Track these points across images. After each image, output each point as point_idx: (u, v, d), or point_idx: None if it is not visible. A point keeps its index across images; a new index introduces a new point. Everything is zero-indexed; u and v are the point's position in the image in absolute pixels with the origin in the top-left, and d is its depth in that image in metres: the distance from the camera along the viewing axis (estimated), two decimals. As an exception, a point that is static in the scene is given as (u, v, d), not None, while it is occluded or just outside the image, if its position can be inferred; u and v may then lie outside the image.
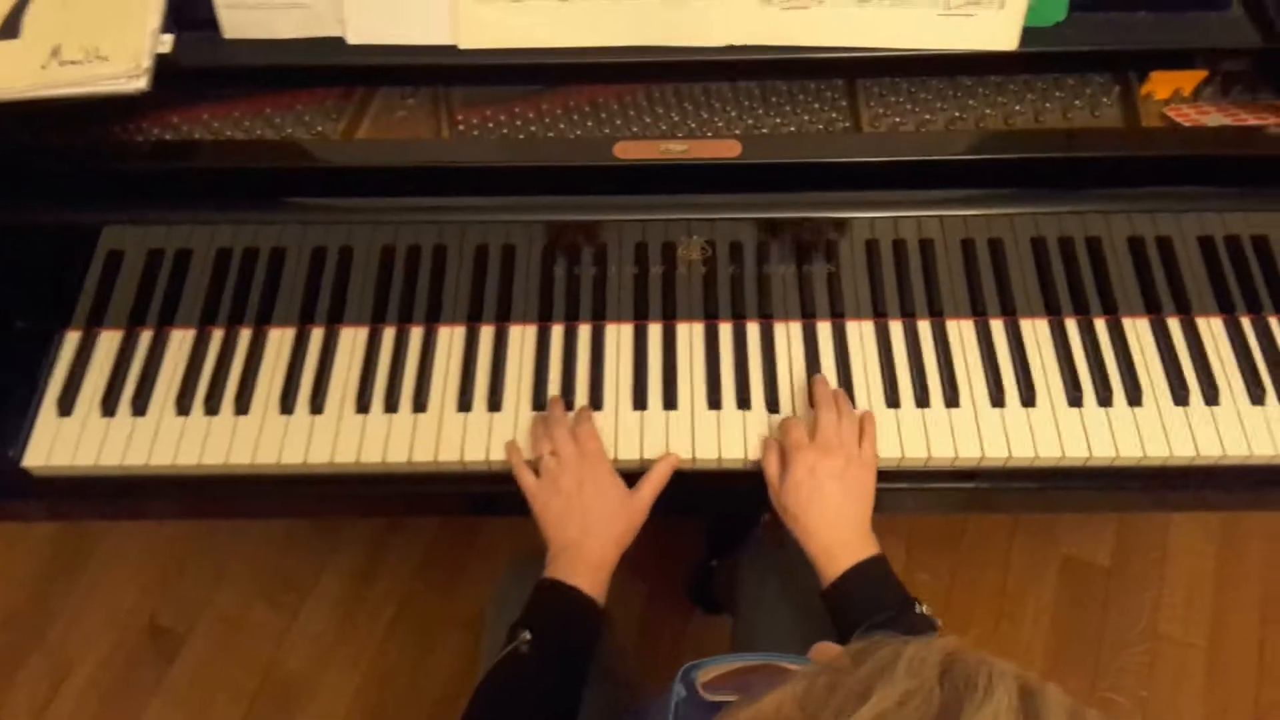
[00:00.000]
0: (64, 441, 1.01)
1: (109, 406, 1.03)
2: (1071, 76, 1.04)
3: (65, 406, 1.03)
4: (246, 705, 1.66)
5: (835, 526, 0.91)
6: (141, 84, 0.90)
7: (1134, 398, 1.02)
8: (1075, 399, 1.02)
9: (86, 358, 1.06)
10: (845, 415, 0.97)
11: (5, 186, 0.95)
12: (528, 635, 0.86)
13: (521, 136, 1.00)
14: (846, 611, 0.89)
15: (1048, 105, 1.02)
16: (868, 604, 0.88)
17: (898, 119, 1.01)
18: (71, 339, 1.07)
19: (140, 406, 1.03)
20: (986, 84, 1.03)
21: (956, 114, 1.01)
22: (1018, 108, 1.02)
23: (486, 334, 1.07)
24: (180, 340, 1.07)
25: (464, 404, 1.03)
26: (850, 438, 0.96)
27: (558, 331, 1.07)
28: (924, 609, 0.87)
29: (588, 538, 0.93)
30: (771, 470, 0.96)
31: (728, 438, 1.01)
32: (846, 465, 0.93)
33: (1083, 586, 1.73)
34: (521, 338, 1.07)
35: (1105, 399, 1.02)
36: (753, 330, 1.07)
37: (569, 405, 1.03)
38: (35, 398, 1.04)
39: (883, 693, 0.43)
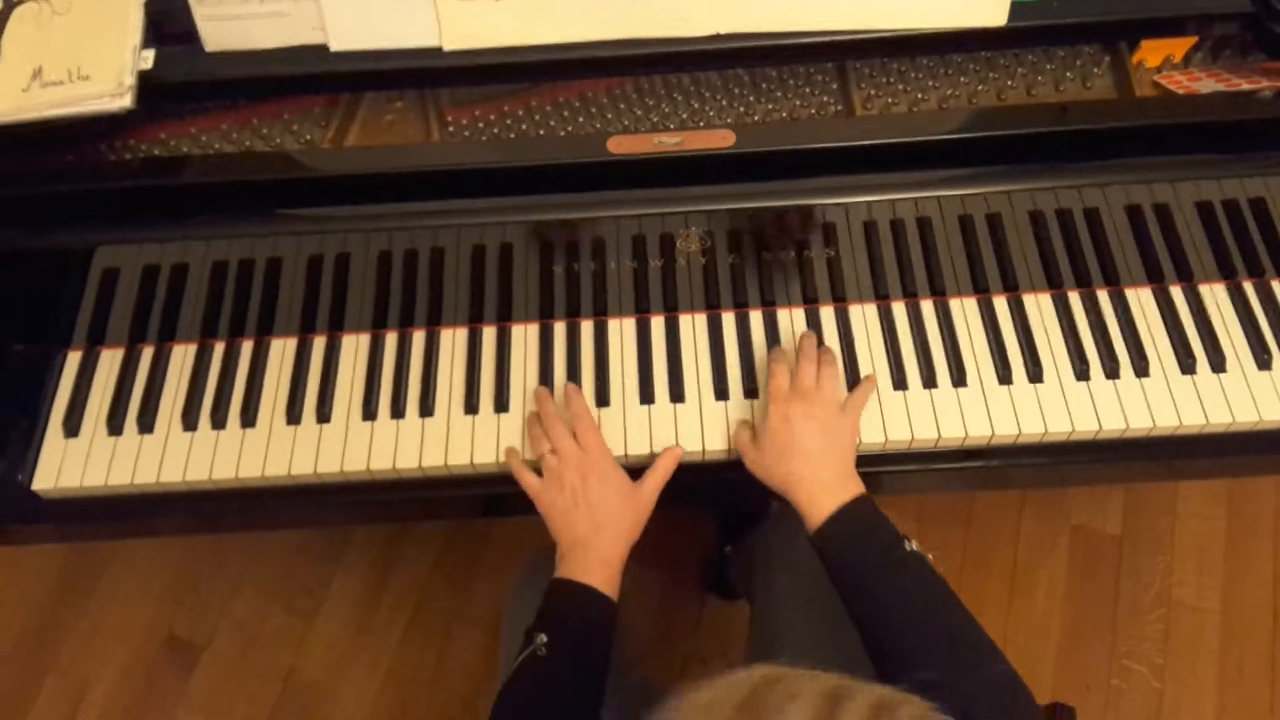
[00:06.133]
0: (72, 462, 1.01)
1: (115, 425, 1.03)
2: (1062, 49, 1.03)
3: (71, 427, 1.03)
4: (268, 712, 1.67)
5: (816, 467, 0.90)
6: (126, 102, 0.90)
7: (1141, 369, 1.02)
8: (1082, 372, 1.02)
9: (89, 377, 1.06)
10: (825, 365, 0.97)
11: (-3, 212, 0.95)
12: (544, 638, 0.85)
13: (512, 135, 1.00)
14: (835, 554, 0.87)
15: (1040, 79, 1.01)
16: (855, 545, 0.87)
17: (890, 100, 1.01)
18: (73, 359, 1.07)
19: (146, 423, 1.03)
20: (977, 60, 1.02)
21: (949, 92, 1.01)
22: (1010, 83, 1.01)
23: (489, 335, 1.07)
24: (182, 355, 1.07)
25: (470, 406, 1.03)
26: (829, 386, 0.95)
27: (560, 329, 1.07)
28: (912, 545, 0.86)
29: (597, 534, 0.92)
30: (744, 439, 0.96)
31: (737, 428, 1.01)
32: (824, 410, 0.93)
33: (1094, 556, 1.73)
34: (525, 337, 1.07)
35: (1112, 371, 1.02)
36: (756, 319, 1.07)
37: (575, 403, 1.03)
38: (40, 420, 1.04)
39: None
